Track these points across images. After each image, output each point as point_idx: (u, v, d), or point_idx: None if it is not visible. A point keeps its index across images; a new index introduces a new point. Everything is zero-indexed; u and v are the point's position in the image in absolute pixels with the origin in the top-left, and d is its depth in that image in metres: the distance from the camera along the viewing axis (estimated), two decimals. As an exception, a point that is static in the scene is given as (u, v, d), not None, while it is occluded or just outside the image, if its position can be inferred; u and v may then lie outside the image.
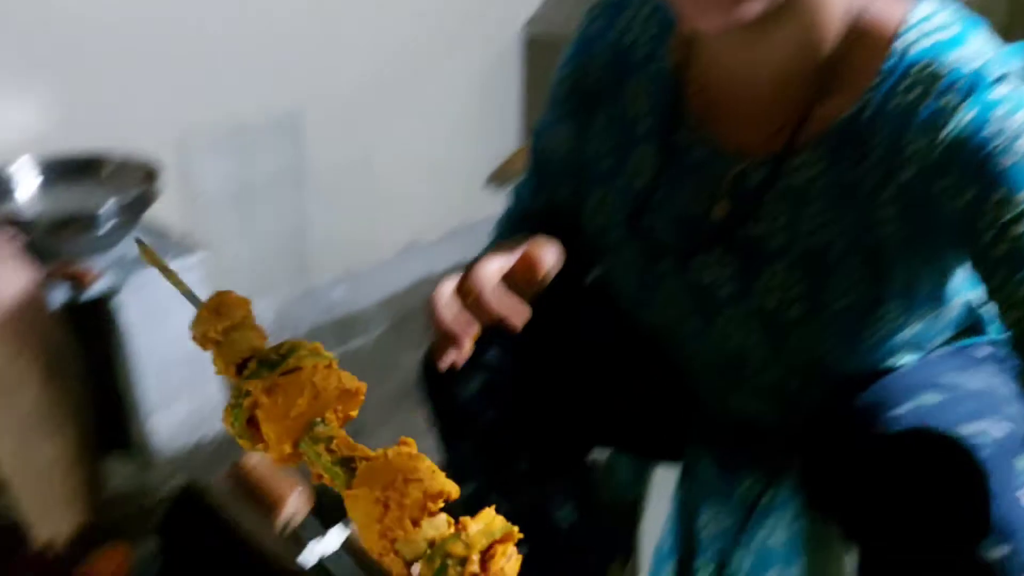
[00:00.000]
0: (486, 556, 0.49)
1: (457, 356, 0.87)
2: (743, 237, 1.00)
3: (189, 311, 1.96)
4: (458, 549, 0.48)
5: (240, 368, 0.55)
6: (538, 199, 1.24)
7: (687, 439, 1.29)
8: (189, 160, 2.20)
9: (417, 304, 2.75)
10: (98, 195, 1.82)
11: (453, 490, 0.53)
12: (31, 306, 1.23)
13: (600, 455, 1.56)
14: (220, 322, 0.57)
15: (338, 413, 0.55)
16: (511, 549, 0.51)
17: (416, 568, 0.48)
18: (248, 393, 0.53)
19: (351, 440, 0.53)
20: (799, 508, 1.14)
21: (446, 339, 0.86)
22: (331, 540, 0.91)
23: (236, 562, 0.87)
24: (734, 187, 1.00)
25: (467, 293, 0.84)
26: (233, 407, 0.54)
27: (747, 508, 1.21)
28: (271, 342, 0.55)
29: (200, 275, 1.96)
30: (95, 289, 1.74)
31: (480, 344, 1.22)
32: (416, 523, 0.49)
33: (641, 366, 1.25)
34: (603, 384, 1.26)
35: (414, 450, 0.52)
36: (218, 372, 0.57)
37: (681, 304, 1.10)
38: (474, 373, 1.18)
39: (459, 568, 0.48)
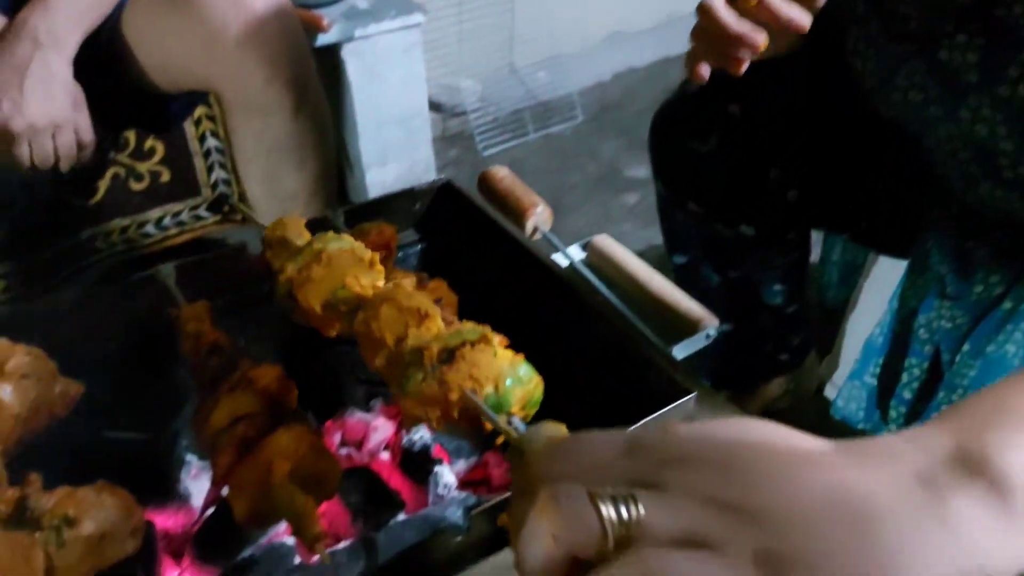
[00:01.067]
0: (456, 350, 0.60)
1: (738, 65, 0.83)
2: (995, 19, 0.89)
3: (406, 72, 1.99)
4: (423, 344, 0.59)
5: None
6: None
7: (920, 230, 1.21)
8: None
9: (619, 94, 2.69)
10: (330, -57, 1.84)
11: (430, 308, 0.63)
12: (286, 32, 1.26)
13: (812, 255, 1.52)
14: (275, 234, 0.76)
15: (359, 279, 0.68)
16: (487, 349, 0.61)
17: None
18: (284, 271, 0.70)
19: (361, 296, 0.67)
20: (1050, 317, 1.06)
21: (726, 45, 0.82)
22: (575, 251, 0.94)
23: (493, 251, 0.91)
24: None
25: None
26: (274, 285, 0.71)
27: (982, 309, 1.14)
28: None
29: (416, 38, 1.98)
30: (326, 38, 1.79)
31: (721, 98, 1.18)
32: (403, 338, 0.62)
33: (881, 147, 1.17)
34: (840, 156, 1.20)
35: (403, 286, 0.66)
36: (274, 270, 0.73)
37: (924, 88, 1.00)
38: (712, 128, 1.15)
39: (418, 355, 0.59)
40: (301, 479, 0.63)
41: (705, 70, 0.88)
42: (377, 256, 0.71)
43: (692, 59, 0.89)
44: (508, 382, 0.70)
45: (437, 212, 0.97)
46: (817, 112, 1.18)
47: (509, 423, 0.70)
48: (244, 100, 1.40)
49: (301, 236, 0.75)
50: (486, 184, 1.01)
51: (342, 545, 0.75)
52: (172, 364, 0.83)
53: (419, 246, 0.98)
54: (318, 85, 1.51)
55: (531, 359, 0.76)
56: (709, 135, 1.15)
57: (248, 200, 1.89)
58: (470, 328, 0.63)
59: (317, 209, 1.57)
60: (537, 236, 0.99)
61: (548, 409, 0.74)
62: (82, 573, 0.60)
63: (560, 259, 0.94)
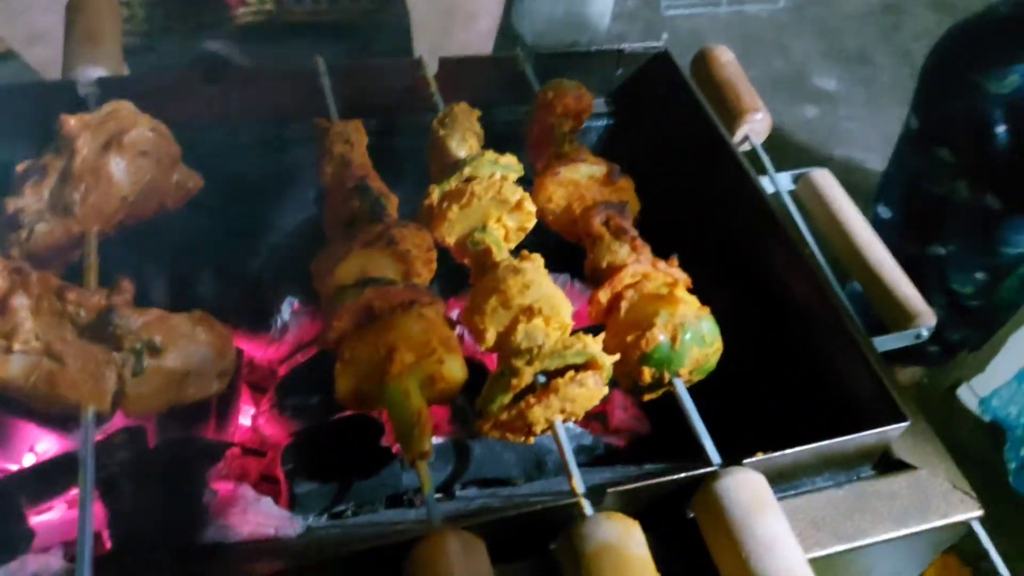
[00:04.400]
0: (552, 379, 0.52)
1: None
2: None
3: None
4: (518, 363, 0.52)
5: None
6: None
7: None
8: None
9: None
10: None
11: (545, 304, 0.56)
12: None
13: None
14: (438, 130, 0.68)
15: (501, 221, 0.63)
16: (590, 378, 0.52)
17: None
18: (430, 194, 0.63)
19: (489, 254, 0.61)
20: None
21: None
22: (784, 180, 0.78)
23: (694, 151, 0.76)
24: None
25: None
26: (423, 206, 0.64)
27: None
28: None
29: None
30: None
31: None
32: (509, 332, 0.55)
33: None
34: None
35: (524, 269, 0.57)
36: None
37: None
38: (1016, 65, 0.93)
39: (514, 380, 0.52)
40: (421, 376, 0.53)
41: None
42: (527, 197, 0.63)
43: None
44: (687, 336, 0.57)
45: (641, 85, 0.81)
46: None
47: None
48: None
49: (464, 140, 0.67)
50: (704, 65, 0.84)
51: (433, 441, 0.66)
52: (301, 184, 0.72)
53: (607, 120, 0.82)
54: None
55: (712, 309, 0.63)
56: (1008, 74, 0.94)
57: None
58: (579, 349, 0.53)
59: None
60: (745, 147, 0.83)
61: (720, 381, 0.62)
62: (154, 406, 0.51)
63: (765, 184, 0.78)
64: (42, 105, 0.66)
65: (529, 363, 0.52)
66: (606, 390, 0.54)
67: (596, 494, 0.50)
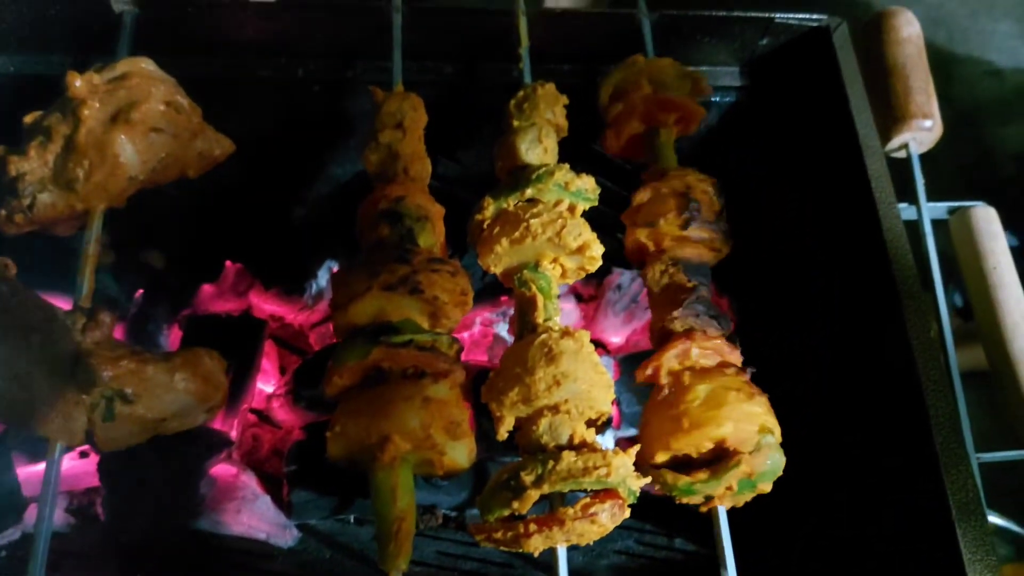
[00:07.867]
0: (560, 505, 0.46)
1: None
2: None
3: None
4: (527, 477, 0.45)
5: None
6: None
7: None
8: None
9: None
10: None
11: (576, 401, 0.48)
12: None
13: None
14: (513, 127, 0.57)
15: (558, 261, 0.53)
16: (605, 512, 0.45)
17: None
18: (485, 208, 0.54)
19: (537, 288, 0.52)
20: None
21: None
22: (936, 209, 0.64)
23: (827, 139, 0.62)
24: None
25: None
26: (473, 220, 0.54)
27: None
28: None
29: None
30: None
31: None
32: (532, 421, 0.48)
33: None
34: None
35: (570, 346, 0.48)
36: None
37: None
38: None
39: (515, 502, 0.45)
40: (418, 459, 0.47)
41: None
42: (592, 242, 0.52)
43: None
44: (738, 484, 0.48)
45: (786, 60, 0.64)
46: None
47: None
48: None
49: (538, 141, 0.55)
50: (876, 37, 0.66)
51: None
52: (362, 130, 0.62)
53: (735, 96, 0.67)
54: None
55: (794, 384, 0.53)
56: None
57: None
58: (600, 476, 0.45)
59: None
60: (900, 154, 0.67)
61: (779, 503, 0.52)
62: (130, 443, 0.47)
63: (907, 211, 0.63)
64: (75, 18, 0.58)
65: (537, 483, 0.45)
66: (626, 514, 0.47)
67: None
